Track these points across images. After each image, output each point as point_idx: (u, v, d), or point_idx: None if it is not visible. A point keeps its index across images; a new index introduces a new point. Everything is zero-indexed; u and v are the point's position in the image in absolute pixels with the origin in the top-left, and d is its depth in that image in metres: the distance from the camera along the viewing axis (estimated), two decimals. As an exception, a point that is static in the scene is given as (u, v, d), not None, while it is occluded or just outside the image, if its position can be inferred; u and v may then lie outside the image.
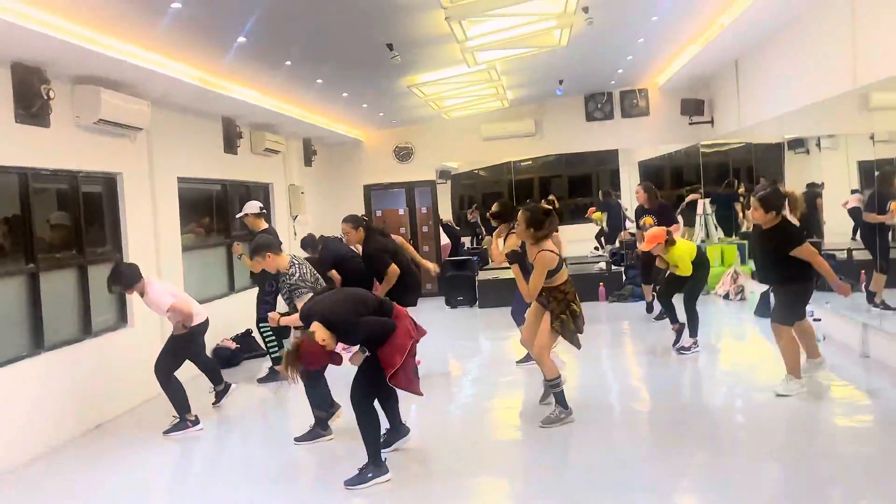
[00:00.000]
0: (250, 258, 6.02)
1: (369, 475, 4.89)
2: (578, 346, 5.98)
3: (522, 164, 16.68)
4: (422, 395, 5.22)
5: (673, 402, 6.60)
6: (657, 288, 9.32)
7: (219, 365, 8.77)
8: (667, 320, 8.97)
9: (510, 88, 11.63)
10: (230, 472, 5.60)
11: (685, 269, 7.91)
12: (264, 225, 8.14)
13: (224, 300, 9.42)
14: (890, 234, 8.18)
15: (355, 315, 4.80)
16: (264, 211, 8.41)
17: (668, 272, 8.24)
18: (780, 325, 6.17)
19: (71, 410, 6.47)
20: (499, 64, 9.49)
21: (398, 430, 5.44)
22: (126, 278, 6.34)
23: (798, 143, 10.86)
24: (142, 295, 6.40)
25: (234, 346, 9.16)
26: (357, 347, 4.99)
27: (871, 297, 7.97)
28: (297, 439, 5.95)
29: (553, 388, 5.85)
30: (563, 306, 5.74)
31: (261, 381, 8.20)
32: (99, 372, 6.89)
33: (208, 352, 8.76)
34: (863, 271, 8.45)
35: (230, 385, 7.14)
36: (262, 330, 8.24)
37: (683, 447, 5.32)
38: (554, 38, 8.35)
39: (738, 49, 10.29)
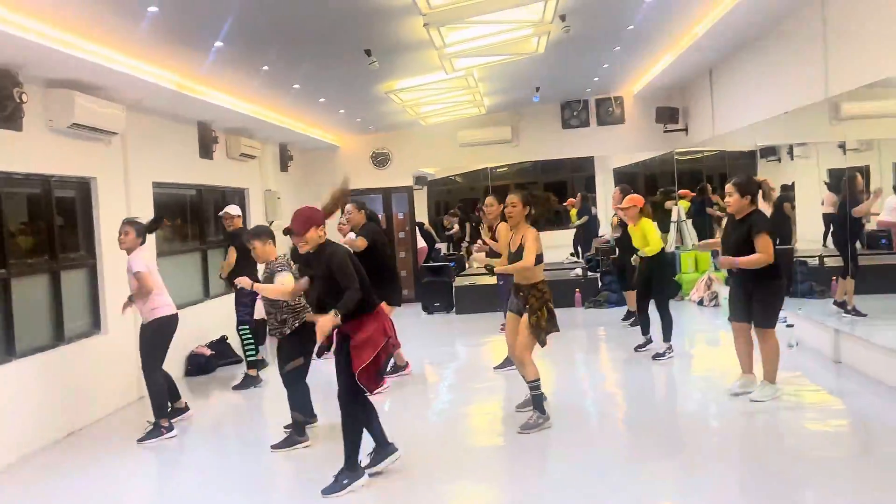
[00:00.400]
0: (252, 240, 6.02)
1: (345, 481, 4.86)
2: (543, 343, 5.91)
3: (498, 170, 16.75)
4: (372, 394, 5.06)
5: (649, 407, 6.64)
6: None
7: (194, 372, 8.81)
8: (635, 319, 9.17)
9: (487, 95, 11.66)
10: (205, 482, 5.53)
11: (655, 245, 8.01)
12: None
13: (199, 306, 9.33)
14: (858, 241, 8.37)
15: (350, 263, 4.82)
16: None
17: (641, 270, 8.32)
18: (766, 329, 6.14)
19: (42, 419, 6.37)
20: (476, 71, 9.51)
21: (386, 448, 5.19)
22: (138, 225, 6.48)
23: (770, 151, 11.05)
24: (128, 252, 6.42)
25: (208, 352, 9.07)
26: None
27: (842, 303, 8.10)
28: (273, 447, 5.91)
29: (532, 390, 5.89)
30: (540, 303, 5.80)
31: (236, 387, 8.12)
32: (72, 379, 6.78)
33: (182, 358, 8.78)
34: (834, 278, 8.58)
35: (187, 409, 6.93)
36: (241, 332, 8.23)
37: (660, 453, 5.34)
38: (531, 45, 8.38)
39: (712, 58, 10.39)
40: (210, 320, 9.35)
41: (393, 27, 7.00)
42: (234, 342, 9.79)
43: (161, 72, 7.26)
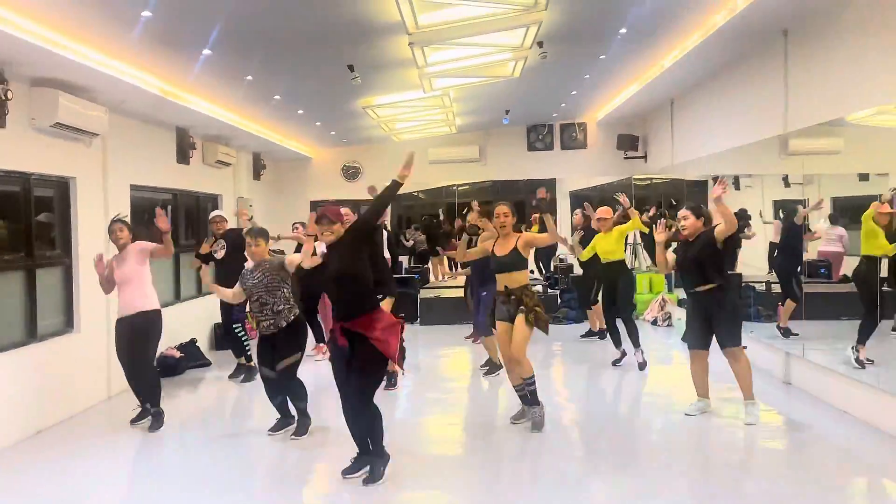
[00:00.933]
0: (259, 238, 6.03)
1: (382, 468, 4.98)
2: (547, 331, 6.09)
3: (459, 188, 16.82)
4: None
5: (603, 422, 6.55)
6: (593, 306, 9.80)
7: (163, 373, 8.57)
8: (595, 339, 9.67)
9: (459, 115, 11.68)
10: (173, 481, 5.36)
11: (620, 250, 8.45)
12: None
13: (169, 308, 9.05)
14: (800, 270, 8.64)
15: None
16: None
17: (606, 284, 8.48)
18: (733, 348, 6.15)
19: (11, 416, 6.14)
20: (452, 91, 9.51)
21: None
22: (129, 224, 6.58)
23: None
24: (122, 248, 6.44)
25: (178, 354, 8.87)
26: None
27: (787, 331, 8.30)
28: (294, 436, 6.04)
29: (529, 385, 6.04)
30: (534, 300, 6.00)
31: (231, 376, 8.32)
32: (43, 377, 6.57)
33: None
34: (780, 304, 8.76)
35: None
36: (236, 330, 8.33)
37: (612, 466, 5.33)
38: (508, 69, 8.41)
39: (674, 90, 10.54)
40: (180, 323, 9.14)
41: (378, 44, 6.97)
42: (203, 345, 9.63)
43: (145, 76, 7.11)
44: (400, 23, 6.19)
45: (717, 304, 6.11)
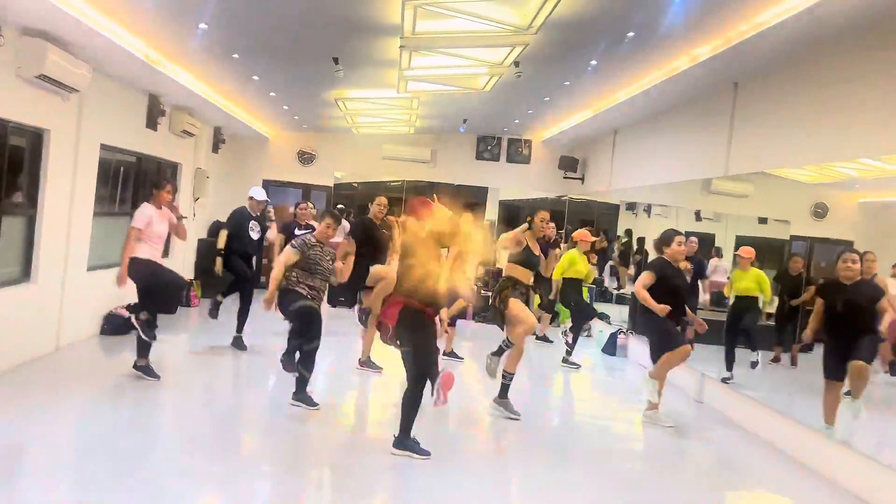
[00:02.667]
0: (337, 222, 6.25)
1: None
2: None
3: (392, 183, 16.75)
4: None
5: (523, 422, 6.38)
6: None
7: (109, 331, 8.23)
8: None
9: (420, 118, 11.59)
10: (116, 433, 5.13)
11: (584, 269, 9.09)
12: None
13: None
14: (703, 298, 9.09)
15: None
16: None
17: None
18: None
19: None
20: (422, 95, 9.42)
21: None
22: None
23: (632, 206, 11.87)
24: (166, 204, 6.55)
25: (127, 314, 8.46)
26: None
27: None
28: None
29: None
30: None
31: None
32: (-4, 324, 6.18)
33: (100, 317, 8.20)
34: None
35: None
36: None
37: (530, 464, 5.40)
38: (480, 83, 8.39)
39: (621, 120, 10.68)
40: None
41: (368, 42, 6.83)
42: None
43: (134, 39, 6.77)
44: (395, 25, 6.09)
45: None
